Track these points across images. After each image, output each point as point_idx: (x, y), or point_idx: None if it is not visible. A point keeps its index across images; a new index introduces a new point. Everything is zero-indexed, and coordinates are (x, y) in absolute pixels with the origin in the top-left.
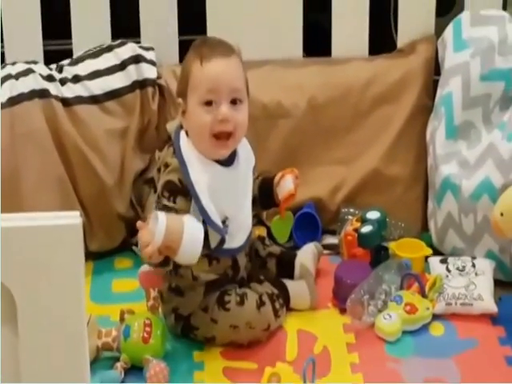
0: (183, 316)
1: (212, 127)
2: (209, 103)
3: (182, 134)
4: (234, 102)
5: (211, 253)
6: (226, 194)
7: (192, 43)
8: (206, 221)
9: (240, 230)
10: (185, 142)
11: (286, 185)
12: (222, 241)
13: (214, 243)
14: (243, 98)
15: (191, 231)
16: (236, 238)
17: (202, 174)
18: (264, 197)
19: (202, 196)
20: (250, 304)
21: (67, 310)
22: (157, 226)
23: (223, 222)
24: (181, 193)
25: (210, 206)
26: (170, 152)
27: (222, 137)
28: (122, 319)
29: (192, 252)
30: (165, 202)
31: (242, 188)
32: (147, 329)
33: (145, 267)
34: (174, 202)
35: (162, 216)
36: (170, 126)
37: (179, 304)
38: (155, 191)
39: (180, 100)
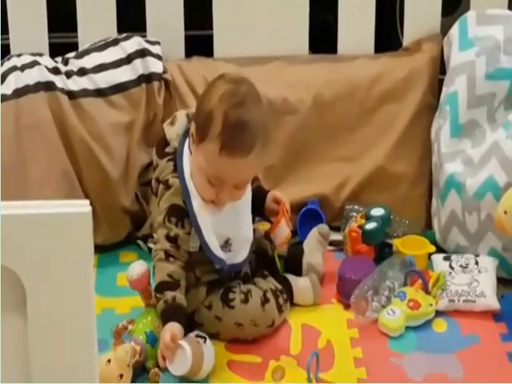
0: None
1: (210, 196)
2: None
3: (186, 152)
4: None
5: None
6: (227, 218)
7: (226, 90)
8: (207, 253)
9: (243, 246)
10: (188, 164)
11: (282, 232)
12: (224, 266)
13: (218, 266)
14: (248, 182)
15: (209, 363)
16: (240, 254)
17: (203, 204)
18: (254, 206)
19: (204, 230)
20: (255, 302)
21: (76, 297)
22: (184, 362)
23: (226, 242)
24: (187, 215)
25: (211, 239)
26: (170, 167)
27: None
28: (118, 336)
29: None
30: (174, 229)
31: (242, 206)
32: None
33: (133, 269)
34: (183, 227)
35: (188, 351)
36: (169, 132)
37: None
38: (152, 192)
39: (193, 130)
